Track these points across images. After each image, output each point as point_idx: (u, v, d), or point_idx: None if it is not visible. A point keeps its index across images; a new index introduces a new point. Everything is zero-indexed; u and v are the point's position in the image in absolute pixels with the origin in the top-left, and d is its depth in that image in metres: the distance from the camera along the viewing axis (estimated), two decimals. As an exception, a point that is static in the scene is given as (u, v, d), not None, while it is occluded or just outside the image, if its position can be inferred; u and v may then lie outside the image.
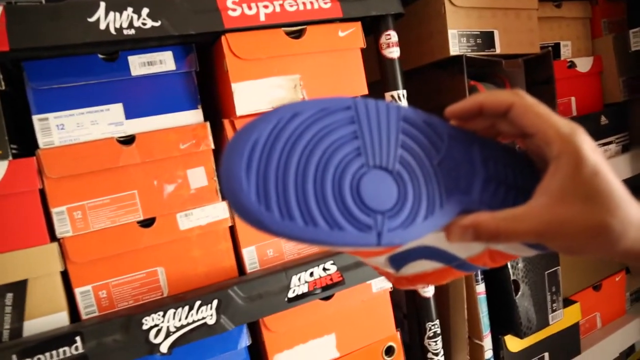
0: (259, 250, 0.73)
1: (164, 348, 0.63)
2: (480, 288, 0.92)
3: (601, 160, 0.29)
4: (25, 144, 0.66)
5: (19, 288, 0.61)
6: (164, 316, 0.64)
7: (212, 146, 0.69)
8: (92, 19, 0.59)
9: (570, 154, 0.28)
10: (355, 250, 0.33)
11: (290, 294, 0.70)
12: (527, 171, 0.34)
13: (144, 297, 0.68)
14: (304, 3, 0.70)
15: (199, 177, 0.70)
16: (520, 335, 0.98)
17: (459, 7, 0.89)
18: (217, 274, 0.72)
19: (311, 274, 0.71)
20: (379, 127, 0.31)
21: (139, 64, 0.66)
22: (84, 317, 0.64)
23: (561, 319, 1.05)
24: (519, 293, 0.96)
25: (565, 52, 1.18)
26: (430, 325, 0.84)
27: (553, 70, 0.99)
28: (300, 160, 0.28)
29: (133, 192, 0.66)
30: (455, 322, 0.94)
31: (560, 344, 1.07)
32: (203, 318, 0.65)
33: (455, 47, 0.88)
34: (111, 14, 0.60)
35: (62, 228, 0.63)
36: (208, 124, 0.69)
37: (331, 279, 0.72)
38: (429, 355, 0.86)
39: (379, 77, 0.80)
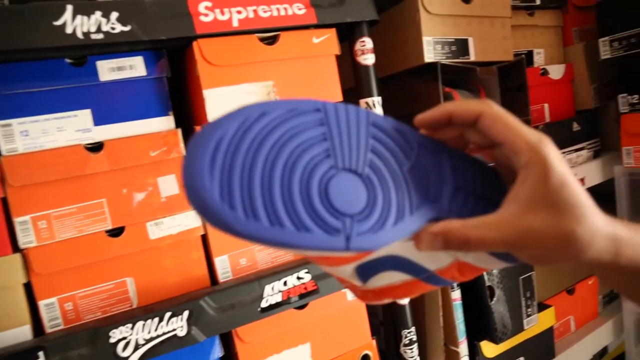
0: (232, 259, 0.72)
1: (132, 361, 0.62)
2: (456, 295, 0.92)
3: (568, 170, 0.29)
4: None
5: (-21, 301, 0.59)
6: (132, 328, 0.62)
7: (184, 153, 0.68)
8: (58, 23, 0.58)
9: (538, 164, 0.28)
10: (323, 256, 0.32)
11: (264, 304, 0.69)
12: (495, 183, 0.34)
13: (112, 308, 0.66)
14: (277, 9, 0.69)
15: (170, 185, 0.68)
16: (496, 340, 0.98)
17: (433, 14, 0.89)
18: (189, 284, 0.70)
19: (285, 283, 0.70)
20: (348, 130, 0.30)
21: (108, 69, 0.65)
22: (48, 330, 0.62)
23: (536, 323, 1.06)
24: (494, 299, 0.97)
25: (538, 59, 1.20)
26: (406, 333, 0.84)
27: (526, 77, 1.00)
28: (267, 160, 0.27)
29: (101, 201, 0.65)
30: (431, 329, 0.94)
31: (535, 348, 1.08)
32: (173, 330, 0.64)
33: (430, 54, 0.89)
34: (78, 17, 0.58)
35: (26, 238, 0.60)
36: (179, 130, 0.68)
37: (305, 288, 0.71)
38: (405, 362, 0.86)
39: (353, 83, 0.80)
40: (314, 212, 0.27)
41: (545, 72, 1.17)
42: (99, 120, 0.65)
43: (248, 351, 0.73)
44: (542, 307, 1.11)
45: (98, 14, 0.59)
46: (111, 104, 0.66)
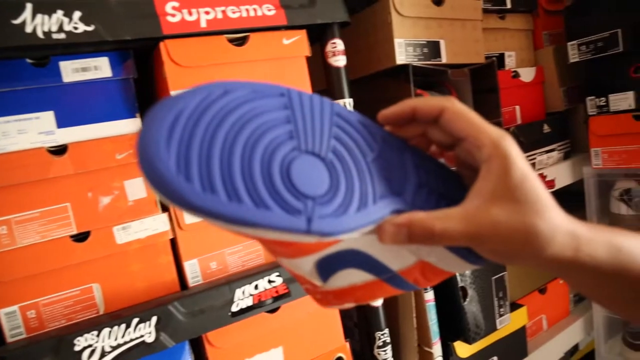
0: (202, 264, 0.71)
1: (98, 370, 0.60)
2: (429, 296, 0.92)
3: (528, 166, 0.29)
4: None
5: None
6: (98, 335, 0.60)
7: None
8: (17, 21, 0.56)
9: (500, 157, 0.29)
10: (284, 242, 0.30)
11: (234, 308, 0.68)
12: (457, 185, 0.34)
13: (77, 315, 0.64)
14: (247, 10, 0.69)
15: (137, 188, 0.67)
16: (469, 340, 0.99)
17: (405, 16, 0.90)
18: (158, 289, 0.69)
19: (256, 287, 0.69)
20: (312, 116, 0.30)
21: (72, 70, 0.63)
22: (9, 340, 0.60)
23: (508, 323, 1.07)
24: (467, 299, 0.97)
25: (510, 62, 1.22)
26: (379, 335, 0.84)
27: (497, 80, 1.01)
28: (228, 136, 0.26)
29: (65, 205, 0.63)
30: (404, 330, 0.95)
31: (508, 347, 1.09)
32: (141, 336, 0.62)
33: (402, 56, 0.89)
34: (39, 16, 0.57)
35: (-15, 245, 0.58)
36: (147, 133, 0.66)
37: (277, 291, 0.71)
38: (379, 364, 0.86)
39: (325, 85, 0.79)
40: (275, 190, 0.26)
41: (516, 75, 1.19)
42: (62, 123, 0.63)
43: (219, 356, 0.72)
44: (514, 306, 1.12)
45: (60, 12, 0.57)
46: (75, 106, 0.64)
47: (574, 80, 1.27)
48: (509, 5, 1.15)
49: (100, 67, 0.64)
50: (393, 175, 0.31)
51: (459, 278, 0.96)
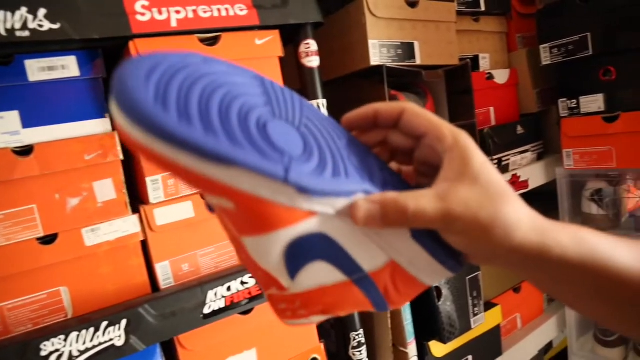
0: (174, 265, 0.70)
1: (65, 375, 0.59)
2: (404, 295, 0.93)
3: (486, 157, 0.30)
4: None
5: None
6: (65, 340, 0.59)
7: (121, 157, 0.66)
8: (-20, 19, 0.55)
9: (461, 147, 0.30)
10: (255, 203, 0.28)
11: (206, 310, 0.67)
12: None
13: (45, 320, 0.63)
14: (219, 9, 0.68)
15: (107, 189, 0.66)
16: (444, 340, 1.00)
17: (379, 18, 0.90)
18: (129, 292, 0.68)
19: (229, 289, 0.69)
20: (285, 101, 0.30)
21: (38, 69, 0.62)
22: (-29, 345, 0.58)
23: (483, 322, 1.08)
24: (442, 299, 0.98)
25: (484, 64, 1.23)
26: (354, 335, 0.84)
27: (471, 81, 1.02)
28: (207, 88, 0.26)
29: (32, 207, 0.61)
30: (379, 330, 0.95)
31: (483, 346, 1.10)
32: (110, 339, 0.61)
33: (376, 57, 0.89)
34: (1, 13, 0.55)
35: (-54, 248, 0.57)
36: (116, 133, 0.65)
37: (250, 293, 0.70)
38: (354, 365, 0.86)
39: (299, 86, 0.79)
40: (251, 136, 0.26)
41: (490, 77, 1.20)
42: (28, 123, 0.62)
43: (192, 359, 0.71)
44: (489, 305, 1.14)
45: (24, 10, 0.56)
46: (42, 106, 0.63)
47: (547, 83, 1.29)
48: (483, 8, 1.16)
49: (67, 67, 0.63)
50: (362, 163, 0.32)
51: (433, 278, 0.97)
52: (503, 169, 1.15)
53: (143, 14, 0.63)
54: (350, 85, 1.00)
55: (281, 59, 0.76)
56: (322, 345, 0.82)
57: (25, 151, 0.60)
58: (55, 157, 0.62)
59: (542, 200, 1.05)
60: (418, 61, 0.97)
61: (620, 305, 0.30)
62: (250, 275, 0.70)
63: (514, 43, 1.30)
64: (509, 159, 1.16)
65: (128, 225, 0.67)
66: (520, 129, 1.22)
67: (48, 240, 0.62)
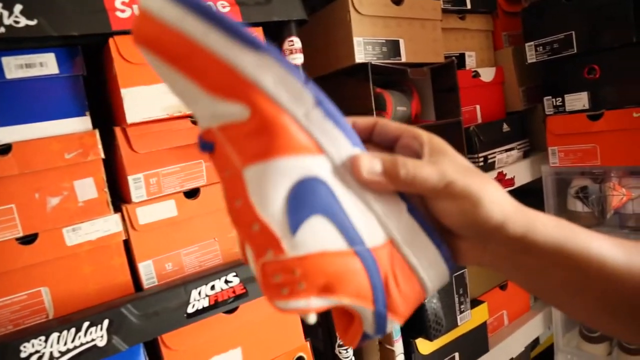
0: (157, 265, 0.69)
1: (45, 376, 0.58)
2: (390, 293, 0.93)
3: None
4: None
5: None
6: (46, 341, 0.58)
7: (102, 155, 0.65)
8: (-46, 15, 0.54)
9: (435, 141, 0.32)
10: (270, 118, 0.28)
11: (190, 309, 0.66)
12: None
13: (25, 321, 0.62)
14: (201, 6, 0.67)
15: (88, 188, 0.65)
16: (430, 337, 1.00)
17: (364, 15, 0.90)
18: (111, 292, 0.67)
19: (212, 287, 0.68)
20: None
21: (15, 66, 0.60)
22: (-51, 347, 0.57)
23: (469, 319, 1.08)
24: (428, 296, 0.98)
25: (470, 62, 1.24)
26: (340, 333, 0.84)
27: (457, 79, 1.02)
28: None
29: (10, 207, 0.60)
30: (365, 328, 0.95)
31: (470, 343, 1.11)
32: (92, 340, 0.61)
33: (361, 54, 0.89)
34: (-23, 9, 0.54)
35: None
36: (97, 131, 0.65)
37: (234, 292, 0.70)
38: (340, 363, 0.86)
39: (283, 83, 0.79)
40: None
41: (476, 75, 1.21)
42: (5, 121, 0.61)
43: (176, 358, 0.70)
44: (475, 303, 1.14)
45: (-1, 6, 0.55)
46: (20, 103, 0.61)
47: (532, 81, 1.30)
48: (468, 6, 1.17)
49: (45, 64, 0.62)
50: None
51: (420, 275, 0.97)
52: (489, 166, 1.16)
53: (123, 11, 0.62)
54: (336, 83, 1.00)
55: (265, 57, 0.75)
56: (308, 344, 0.82)
57: (3, 150, 0.59)
58: (35, 155, 0.61)
59: (528, 197, 1.05)
60: (403, 59, 0.97)
61: (601, 296, 0.30)
62: (234, 274, 0.69)
63: (500, 41, 1.31)
64: (494, 157, 1.17)
65: (110, 224, 0.66)
66: (506, 127, 1.22)
67: (28, 240, 0.61)
